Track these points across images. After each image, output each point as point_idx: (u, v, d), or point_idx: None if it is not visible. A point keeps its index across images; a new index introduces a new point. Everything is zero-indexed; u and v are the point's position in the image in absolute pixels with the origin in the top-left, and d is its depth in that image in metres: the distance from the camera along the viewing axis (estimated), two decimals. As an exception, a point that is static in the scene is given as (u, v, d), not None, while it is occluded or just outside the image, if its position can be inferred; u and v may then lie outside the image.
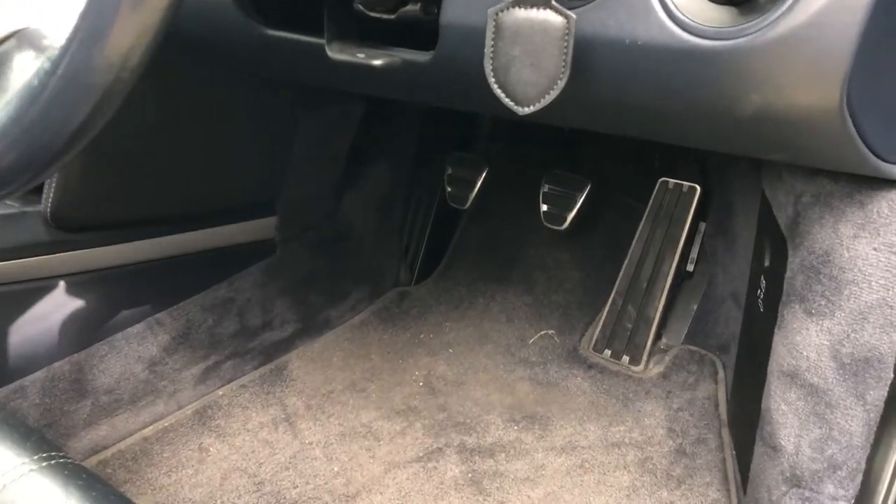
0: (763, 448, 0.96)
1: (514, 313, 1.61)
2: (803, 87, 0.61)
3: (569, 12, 0.61)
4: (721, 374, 1.34)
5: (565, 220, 1.56)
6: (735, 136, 0.76)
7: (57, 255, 1.10)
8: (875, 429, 0.83)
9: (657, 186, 1.50)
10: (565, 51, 0.61)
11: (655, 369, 1.40)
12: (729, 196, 1.41)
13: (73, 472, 0.62)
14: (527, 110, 0.65)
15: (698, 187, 1.46)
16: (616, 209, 1.69)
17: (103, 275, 1.16)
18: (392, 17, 0.83)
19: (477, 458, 1.20)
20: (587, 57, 0.66)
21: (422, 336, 1.56)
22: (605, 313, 1.49)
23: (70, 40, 0.44)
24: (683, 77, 0.64)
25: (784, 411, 0.91)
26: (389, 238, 1.71)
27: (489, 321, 1.60)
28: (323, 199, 1.50)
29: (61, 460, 0.64)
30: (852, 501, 0.85)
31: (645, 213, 1.49)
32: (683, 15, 0.62)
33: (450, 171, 1.72)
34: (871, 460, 0.84)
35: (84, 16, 0.44)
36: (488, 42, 0.64)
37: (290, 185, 1.40)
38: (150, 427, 1.22)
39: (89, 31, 0.44)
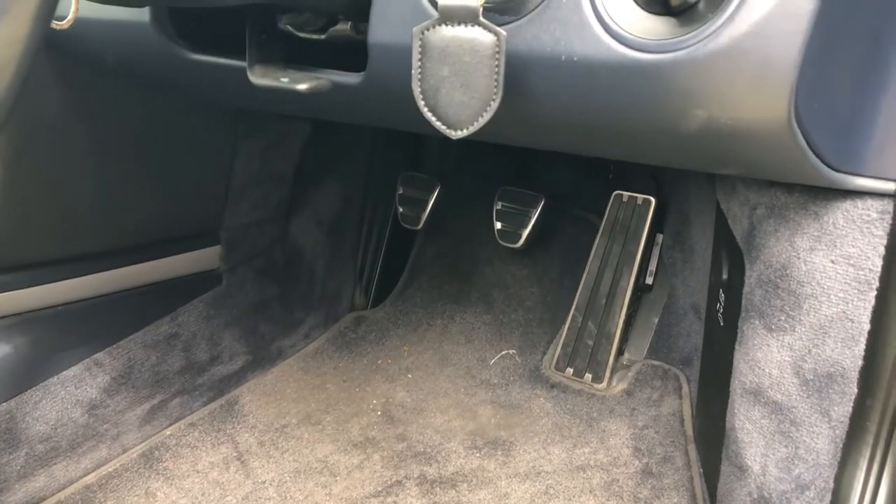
0: (729, 468, 0.93)
1: (474, 334, 1.57)
2: (750, 100, 0.58)
3: (499, 29, 0.57)
4: (685, 388, 1.31)
5: (520, 237, 1.53)
6: (682, 152, 0.73)
7: (-20, 298, 1.03)
8: (842, 446, 0.80)
9: (612, 200, 1.47)
10: (497, 70, 0.58)
11: (619, 386, 1.37)
12: (684, 207, 1.38)
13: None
14: (460, 133, 0.61)
15: (653, 199, 1.43)
16: (572, 223, 1.66)
17: (33, 316, 1.10)
18: (322, 37, 0.79)
19: (438, 489, 1.15)
20: (521, 75, 0.62)
21: (379, 362, 1.51)
22: (565, 330, 1.45)
23: None
24: (623, 93, 0.60)
25: (749, 430, 0.88)
26: (342, 261, 1.66)
27: (448, 343, 1.56)
28: (269, 223, 1.45)
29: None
30: (822, 523, 0.82)
31: (601, 227, 1.47)
32: (620, 27, 0.58)
33: (401, 190, 1.68)
34: (839, 479, 0.81)
35: None
36: (415, 63, 0.60)
37: (233, 210, 1.34)
38: (93, 474, 1.16)
39: None
